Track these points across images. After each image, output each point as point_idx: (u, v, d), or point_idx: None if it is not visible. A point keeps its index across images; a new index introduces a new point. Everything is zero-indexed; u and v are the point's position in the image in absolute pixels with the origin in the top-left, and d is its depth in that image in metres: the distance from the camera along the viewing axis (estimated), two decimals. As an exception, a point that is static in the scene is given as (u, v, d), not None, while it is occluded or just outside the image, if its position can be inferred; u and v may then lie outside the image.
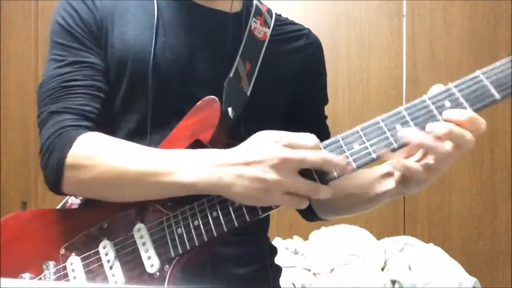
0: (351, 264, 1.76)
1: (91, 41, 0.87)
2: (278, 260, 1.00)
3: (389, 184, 0.80)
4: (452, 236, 2.27)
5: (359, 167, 0.69)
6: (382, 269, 1.78)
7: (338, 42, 2.38)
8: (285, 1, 2.33)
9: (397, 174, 0.76)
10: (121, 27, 0.88)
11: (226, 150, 0.73)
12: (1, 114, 2.55)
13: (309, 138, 0.70)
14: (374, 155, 0.69)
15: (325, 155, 0.68)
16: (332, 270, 1.76)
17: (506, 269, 2.23)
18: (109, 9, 0.89)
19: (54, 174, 0.80)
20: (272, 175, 0.68)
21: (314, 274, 1.78)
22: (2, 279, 0.44)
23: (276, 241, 2.00)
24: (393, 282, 1.67)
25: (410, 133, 0.67)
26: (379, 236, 2.00)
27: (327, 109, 1.06)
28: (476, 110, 0.67)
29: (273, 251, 1.00)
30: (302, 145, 0.69)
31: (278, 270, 0.99)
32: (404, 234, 2.17)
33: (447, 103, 0.68)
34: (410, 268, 1.73)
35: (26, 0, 2.60)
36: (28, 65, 2.58)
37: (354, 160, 0.69)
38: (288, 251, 1.92)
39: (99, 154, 0.78)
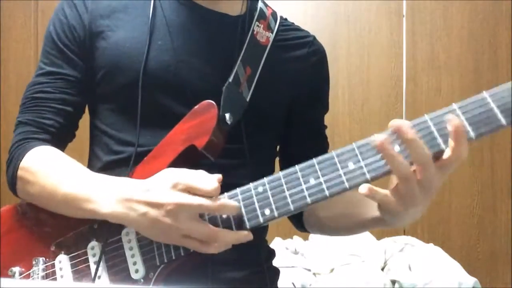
0: (351, 264, 1.76)
1: (74, 50, 0.88)
2: (278, 260, 1.00)
3: (376, 211, 0.75)
4: (452, 236, 2.27)
5: (351, 188, 0.67)
6: (382, 269, 1.78)
7: (338, 42, 2.37)
8: (285, 1, 2.33)
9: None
10: (116, 28, 0.87)
11: (138, 184, 0.74)
12: (1, 114, 2.56)
13: (208, 183, 0.70)
14: (368, 176, 0.66)
15: (222, 202, 0.70)
16: (332, 270, 1.76)
17: (506, 269, 2.23)
18: (102, 10, 0.88)
19: (10, 182, 0.85)
20: (168, 220, 0.70)
21: (314, 274, 1.78)
22: (2, 279, 0.44)
23: (276, 241, 2.00)
24: (393, 282, 1.67)
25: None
26: (379, 236, 2.00)
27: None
28: (479, 135, 0.63)
29: (271, 254, 0.99)
30: (199, 190, 0.70)
31: (276, 272, 0.98)
32: (404, 234, 2.17)
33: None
34: (410, 268, 1.73)
35: (26, 0, 2.60)
36: (28, 65, 2.58)
37: (348, 180, 0.67)
38: (288, 251, 1.92)
39: (39, 171, 0.81)
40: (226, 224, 0.73)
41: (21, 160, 0.83)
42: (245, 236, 0.72)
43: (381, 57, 2.36)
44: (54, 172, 0.81)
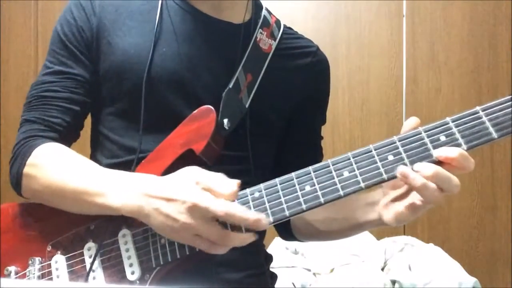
0: (351, 264, 1.76)
1: (83, 51, 0.88)
2: (278, 260, 1.00)
3: (373, 214, 0.79)
4: (452, 236, 2.27)
5: (346, 195, 0.68)
6: (382, 269, 1.78)
7: (338, 42, 2.37)
8: (285, 1, 2.33)
9: (381, 205, 0.75)
10: (122, 34, 0.87)
11: (155, 179, 0.73)
12: (1, 114, 2.55)
13: (227, 187, 0.68)
14: (362, 185, 0.68)
15: (229, 209, 0.66)
16: (332, 270, 1.76)
17: (506, 269, 2.23)
18: (109, 14, 0.88)
19: (15, 180, 0.84)
20: (182, 217, 0.68)
21: (314, 274, 1.78)
22: (2, 279, 0.44)
23: (276, 241, 2.00)
24: (393, 282, 1.67)
25: (406, 171, 0.66)
26: (379, 236, 1.99)
27: (327, 110, 1.05)
28: (471, 147, 0.66)
29: (268, 258, 0.99)
30: (217, 192, 0.68)
31: (273, 276, 0.98)
32: (404, 234, 2.17)
33: (442, 138, 0.67)
34: (410, 268, 1.73)
35: (26, 0, 2.60)
36: (28, 65, 2.58)
37: (342, 188, 0.68)
38: (288, 251, 1.91)
39: (47, 166, 0.80)
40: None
41: (28, 157, 0.82)
42: (250, 236, 0.70)
43: (381, 57, 2.35)
44: (63, 167, 0.80)
